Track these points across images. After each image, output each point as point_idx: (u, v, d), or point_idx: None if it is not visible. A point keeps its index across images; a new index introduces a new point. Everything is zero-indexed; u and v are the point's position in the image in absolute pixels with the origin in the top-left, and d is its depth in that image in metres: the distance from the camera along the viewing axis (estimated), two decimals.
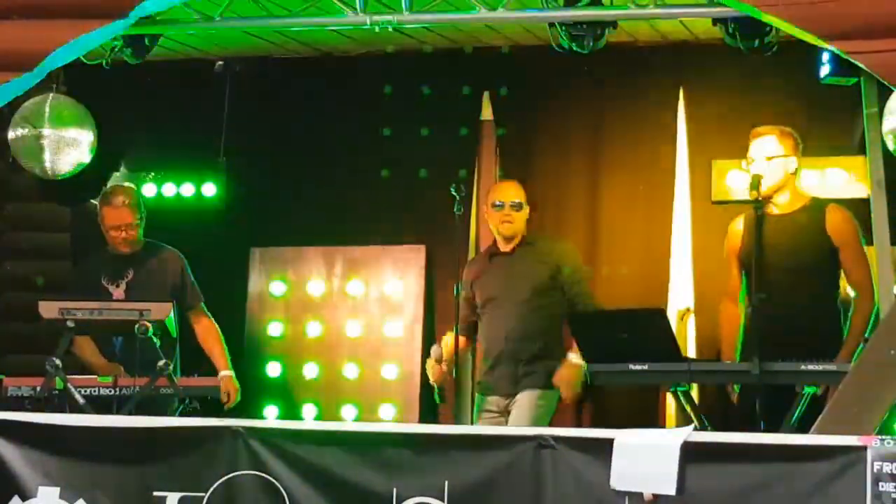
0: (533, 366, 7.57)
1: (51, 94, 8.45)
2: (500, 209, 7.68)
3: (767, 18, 6.27)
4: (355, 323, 9.14)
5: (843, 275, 7.01)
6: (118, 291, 7.79)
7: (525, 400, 7.53)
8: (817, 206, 7.07)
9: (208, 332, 7.93)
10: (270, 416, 8.98)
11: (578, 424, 8.26)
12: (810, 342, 6.65)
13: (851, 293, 7.00)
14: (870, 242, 6.78)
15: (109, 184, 9.13)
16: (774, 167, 6.98)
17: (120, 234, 7.80)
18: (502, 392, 7.63)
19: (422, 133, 8.94)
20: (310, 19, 7.23)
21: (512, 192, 7.73)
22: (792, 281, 6.87)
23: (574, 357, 7.40)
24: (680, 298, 8.59)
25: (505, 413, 7.61)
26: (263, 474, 5.77)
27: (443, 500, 5.59)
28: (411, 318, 9.00)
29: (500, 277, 7.73)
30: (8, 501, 5.91)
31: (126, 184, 8.85)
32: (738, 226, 7.17)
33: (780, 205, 7.05)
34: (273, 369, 9.23)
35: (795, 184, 7.14)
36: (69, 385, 6.76)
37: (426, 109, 9.00)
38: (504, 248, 7.77)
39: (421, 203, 8.87)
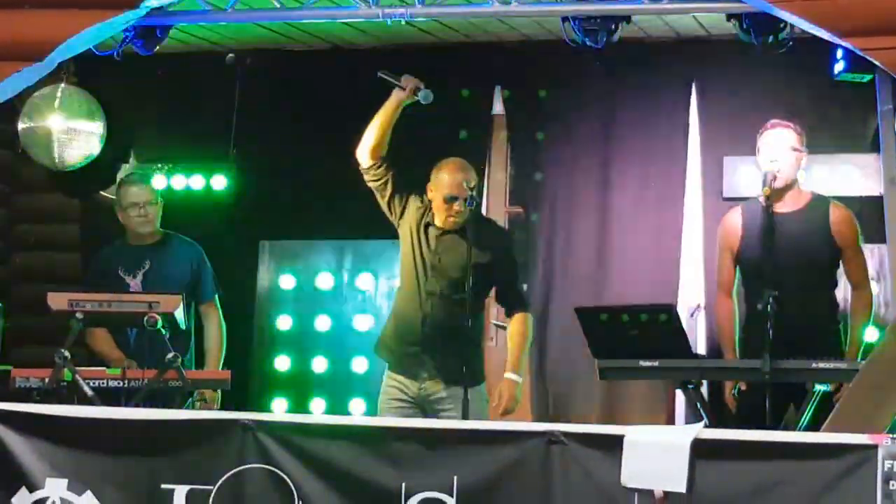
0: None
1: (61, 85, 8.48)
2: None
3: (782, 14, 6.25)
4: (364, 317, 9.13)
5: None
6: (135, 282, 7.80)
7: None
8: (820, 204, 7.08)
9: (210, 335, 7.93)
10: (279, 410, 8.97)
11: None
12: (812, 339, 6.67)
13: (850, 289, 7.04)
14: (881, 240, 6.78)
15: (119, 175, 9.15)
16: (794, 160, 6.98)
17: (139, 212, 7.81)
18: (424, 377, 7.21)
19: (432, 127, 8.90)
20: (321, 11, 7.23)
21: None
22: (796, 278, 6.88)
23: (513, 375, 7.15)
24: (690, 295, 8.57)
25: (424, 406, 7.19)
26: (272, 468, 5.75)
27: (452, 496, 5.57)
28: None
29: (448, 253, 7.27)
30: (16, 492, 5.90)
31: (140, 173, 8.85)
32: (736, 220, 7.17)
33: (785, 201, 7.05)
34: (282, 363, 9.23)
35: (799, 181, 7.15)
36: (78, 377, 6.75)
37: (437, 103, 8.96)
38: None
39: None
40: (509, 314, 7.31)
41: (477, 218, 7.33)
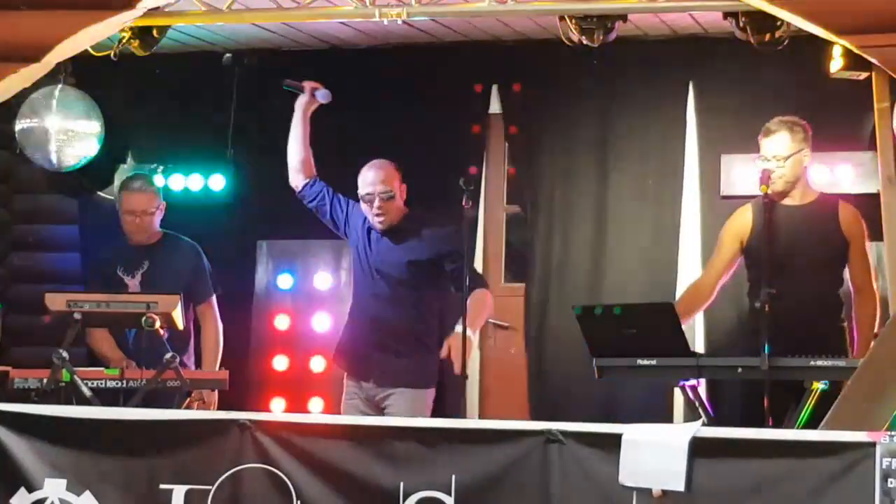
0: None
1: (58, 86, 8.47)
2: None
3: (779, 12, 6.25)
4: None
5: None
6: (133, 283, 7.80)
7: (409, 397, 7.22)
8: (828, 202, 7.11)
9: (206, 338, 7.94)
10: (277, 410, 8.97)
11: None
12: (816, 336, 6.66)
13: (852, 289, 7.04)
14: (879, 238, 6.79)
15: (117, 175, 9.17)
16: (790, 164, 6.98)
17: (133, 220, 7.81)
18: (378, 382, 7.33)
19: (430, 126, 8.91)
20: (318, 11, 7.22)
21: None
22: (803, 273, 6.88)
23: (467, 331, 6.76)
24: None
25: (374, 406, 7.31)
26: (270, 467, 5.76)
27: (450, 495, 5.58)
28: None
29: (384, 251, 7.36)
30: (15, 493, 5.90)
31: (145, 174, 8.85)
32: (747, 214, 7.17)
33: (792, 197, 7.07)
34: (280, 363, 9.23)
35: (807, 175, 7.15)
36: (76, 377, 6.75)
37: (434, 102, 8.97)
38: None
39: (428, 196, 8.86)
40: (468, 293, 6.90)
41: (412, 216, 7.39)
